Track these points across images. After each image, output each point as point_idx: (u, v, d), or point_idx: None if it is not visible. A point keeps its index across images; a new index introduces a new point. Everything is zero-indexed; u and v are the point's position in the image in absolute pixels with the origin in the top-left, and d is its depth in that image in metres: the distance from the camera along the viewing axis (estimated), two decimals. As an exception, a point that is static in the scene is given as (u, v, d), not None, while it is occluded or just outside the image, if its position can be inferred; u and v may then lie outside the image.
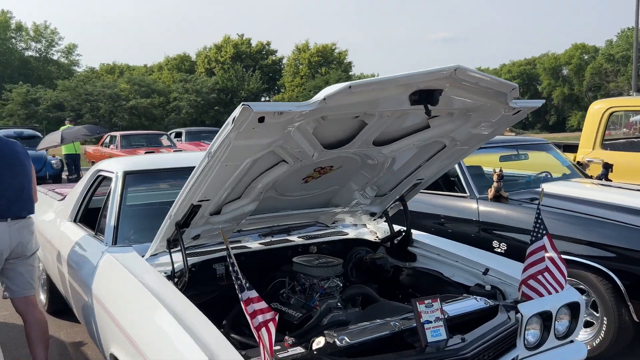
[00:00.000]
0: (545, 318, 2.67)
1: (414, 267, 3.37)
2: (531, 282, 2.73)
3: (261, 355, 1.91)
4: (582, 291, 3.85)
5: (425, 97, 2.20)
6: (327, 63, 51.97)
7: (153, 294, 2.43)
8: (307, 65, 51.83)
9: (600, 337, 3.71)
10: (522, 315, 2.54)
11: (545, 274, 2.73)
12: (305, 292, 2.95)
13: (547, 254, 2.73)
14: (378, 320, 2.36)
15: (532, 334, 2.64)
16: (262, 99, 52.36)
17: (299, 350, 2.15)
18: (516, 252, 4.11)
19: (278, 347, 2.16)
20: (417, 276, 3.28)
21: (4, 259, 3.36)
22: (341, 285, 2.98)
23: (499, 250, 4.25)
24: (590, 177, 5.41)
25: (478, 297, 2.65)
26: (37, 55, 52.05)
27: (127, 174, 3.54)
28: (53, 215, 4.49)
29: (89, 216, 3.95)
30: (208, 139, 18.06)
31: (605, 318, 3.68)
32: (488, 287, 2.87)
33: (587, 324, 3.88)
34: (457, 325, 2.44)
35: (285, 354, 2.11)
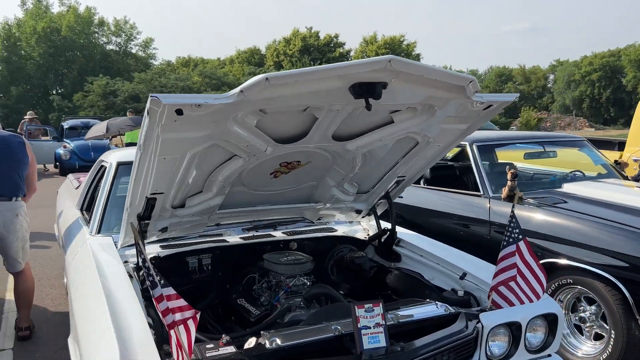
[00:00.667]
0: (515, 329, 2.48)
1: (397, 267, 3.24)
2: (502, 289, 2.54)
3: (173, 354, 1.88)
4: (591, 301, 3.58)
5: (367, 90, 2.08)
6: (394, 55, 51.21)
7: (103, 285, 2.45)
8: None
9: (607, 351, 3.43)
10: (482, 326, 2.37)
11: (520, 281, 2.54)
12: (272, 289, 2.90)
13: (521, 261, 2.53)
14: (321, 324, 2.28)
15: (497, 345, 2.46)
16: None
17: (230, 349, 2.10)
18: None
19: (211, 345, 2.12)
20: (397, 277, 3.15)
21: None
22: (309, 283, 2.91)
23: (507, 253, 4.01)
24: (627, 177, 5.00)
25: (439, 304, 2.50)
26: (117, 49, 54.50)
27: (120, 164, 3.61)
28: (70, 204, 4.68)
29: (93, 205, 4.08)
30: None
31: (613, 332, 3.39)
32: (461, 293, 2.70)
33: (597, 337, 3.60)
34: (410, 331, 2.32)
35: (214, 353, 2.06)
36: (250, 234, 3.37)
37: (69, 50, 50.28)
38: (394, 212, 3.30)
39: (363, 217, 3.51)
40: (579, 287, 3.57)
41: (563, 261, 3.61)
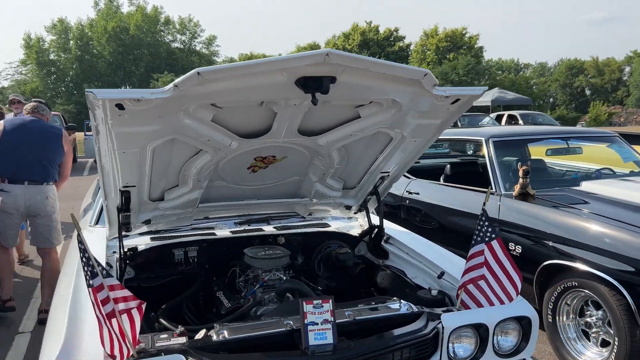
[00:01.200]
0: (483, 331, 2.39)
1: (385, 265, 3.19)
2: (471, 288, 2.46)
3: (104, 346, 1.92)
4: (598, 305, 3.39)
5: (314, 85, 2.06)
6: (456, 48, 50.03)
7: (77, 274, 2.56)
8: (434, 51, 50.37)
9: (611, 359, 3.24)
10: (443, 327, 2.30)
11: (491, 281, 2.44)
12: (248, 283, 2.93)
13: (494, 260, 2.44)
14: (275, 318, 2.28)
15: (463, 347, 2.38)
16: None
17: (181, 340, 2.13)
18: (529, 256, 3.74)
19: (165, 335, 2.17)
20: (381, 275, 3.10)
21: (20, 213, 4.41)
22: (284, 278, 2.91)
23: (514, 253, 3.86)
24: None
25: (404, 302, 2.45)
26: (182, 46, 56.34)
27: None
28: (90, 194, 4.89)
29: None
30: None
31: (616, 338, 3.20)
32: (435, 292, 2.63)
33: (604, 343, 3.41)
34: (369, 330, 2.28)
35: (163, 343, 2.10)
36: (242, 227, 3.42)
37: (136, 48, 52.39)
38: (382, 209, 3.26)
39: (355, 212, 3.47)
40: (585, 290, 3.39)
41: (567, 263, 3.44)
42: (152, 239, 3.19)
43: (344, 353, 2.07)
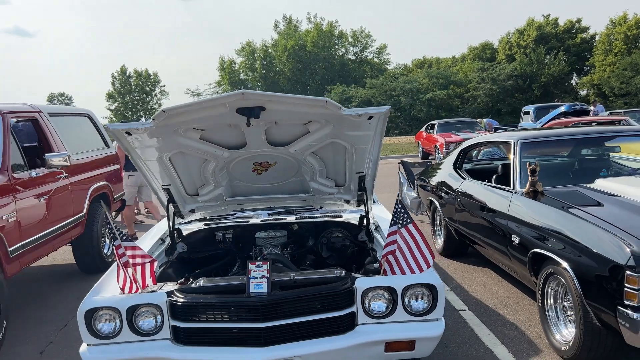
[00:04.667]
0: (395, 294, 3.08)
1: (371, 248, 3.95)
2: (390, 258, 3.16)
3: (118, 279, 3.07)
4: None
5: (248, 112, 3.02)
6: (648, 35, 44.85)
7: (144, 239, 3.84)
8: (622, 40, 45.65)
9: (573, 336, 3.60)
10: (355, 287, 3.05)
11: (406, 255, 3.13)
12: (255, 257, 3.93)
13: (408, 238, 3.12)
14: (234, 277, 3.26)
15: (377, 304, 3.09)
16: (568, 82, 48.56)
17: (177, 286, 3.22)
18: (523, 245, 4.16)
19: (171, 283, 3.28)
20: (360, 254, 3.88)
21: (137, 186, 8.10)
22: (278, 252, 3.85)
23: (514, 243, 4.29)
24: None
25: (339, 270, 3.23)
26: (354, 58, 59.04)
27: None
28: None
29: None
30: (460, 130, 18.59)
31: (575, 319, 3.55)
32: (377, 265, 3.37)
33: (577, 326, 3.73)
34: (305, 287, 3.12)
35: (164, 287, 3.21)
36: (272, 217, 4.43)
37: (313, 63, 56.27)
38: (368, 203, 4.01)
39: (358, 206, 4.26)
40: (559, 276, 3.75)
41: (542, 251, 3.83)
42: (204, 224, 4.37)
43: (272, 297, 2.96)
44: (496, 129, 15.72)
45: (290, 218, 4.40)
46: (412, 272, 3.10)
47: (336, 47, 58.59)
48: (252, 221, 4.38)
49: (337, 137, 3.40)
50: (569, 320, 3.76)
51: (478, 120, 23.11)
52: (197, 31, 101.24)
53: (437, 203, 6.52)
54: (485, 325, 4.39)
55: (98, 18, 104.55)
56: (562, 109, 14.82)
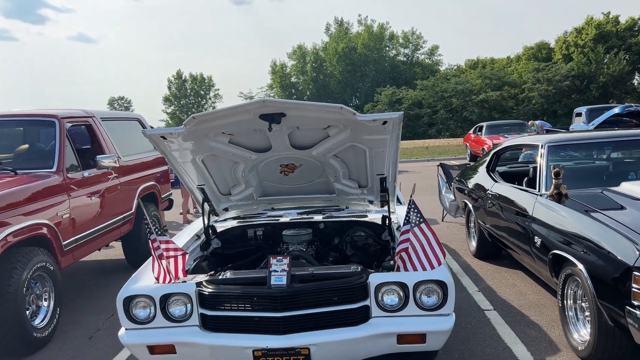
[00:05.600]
0: (407, 289, 3.25)
1: (392, 246, 4.12)
2: (404, 255, 3.34)
3: (153, 270, 3.38)
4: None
5: (270, 118, 3.27)
6: None
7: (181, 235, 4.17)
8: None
9: (587, 339, 3.66)
10: (369, 282, 3.24)
11: (419, 253, 3.30)
12: (282, 253, 4.17)
13: (421, 237, 3.29)
14: (258, 270, 3.51)
15: (390, 299, 3.27)
16: (630, 82, 46.63)
17: (205, 278, 3.49)
18: (545, 247, 4.24)
19: (202, 275, 3.57)
20: (383, 253, 4.06)
21: None
22: (304, 249, 4.08)
23: (537, 245, 4.37)
24: None
25: (355, 266, 3.42)
26: (405, 59, 58.76)
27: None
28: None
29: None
30: (509, 132, 18.32)
31: (590, 317, 3.61)
32: (392, 262, 3.55)
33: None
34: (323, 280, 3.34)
35: (196, 277, 3.50)
36: (300, 216, 4.66)
37: (363, 65, 56.35)
38: (389, 204, 4.19)
39: (382, 206, 4.44)
40: (576, 277, 3.82)
41: (561, 253, 3.90)
42: (238, 222, 4.66)
43: (290, 289, 3.20)
44: (547, 131, 15.46)
45: (318, 217, 4.62)
46: (424, 269, 3.27)
47: (387, 49, 58.48)
48: (282, 220, 4.63)
49: (356, 140, 3.61)
50: (587, 321, 3.81)
51: (530, 122, 22.63)
52: (250, 35, 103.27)
53: (470, 205, 6.60)
54: (508, 324, 4.48)
55: (156, 24, 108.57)
56: (616, 110, 14.39)
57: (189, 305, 3.31)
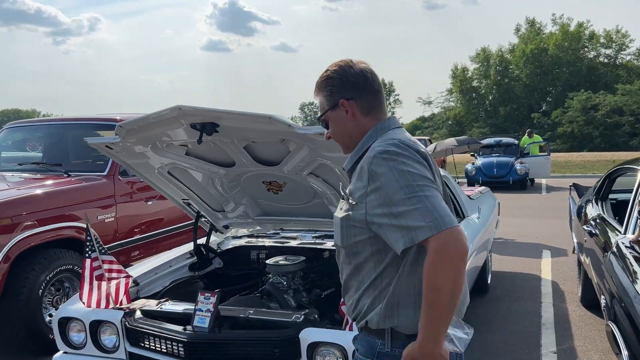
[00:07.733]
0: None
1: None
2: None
3: (82, 297, 3.06)
4: None
5: (202, 128, 2.76)
6: None
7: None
8: None
9: None
10: (298, 338, 2.54)
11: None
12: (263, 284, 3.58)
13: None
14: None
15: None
16: None
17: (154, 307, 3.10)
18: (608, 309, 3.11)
19: (153, 302, 3.19)
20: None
21: None
22: (284, 282, 3.44)
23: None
24: None
25: (299, 314, 2.74)
26: (605, 61, 52.20)
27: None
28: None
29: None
30: None
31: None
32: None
33: None
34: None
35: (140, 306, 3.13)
36: (313, 240, 4.02)
37: (555, 68, 51.47)
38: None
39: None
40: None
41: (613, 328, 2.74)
42: (245, 242, 4.19)
43: (212, 335, 2.66)
44: None
45: (331, 243, 3.95)
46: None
47: (585, 49, 52.51)
48: (291, 243, 4.06)
49: (320, 157, 2.92)
50: None
51: None
52: (435, 39, 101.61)
53: (575, 240, 5.27)
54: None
55: (351, 33, 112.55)
56: None
57: (117, 337, 2.96)
